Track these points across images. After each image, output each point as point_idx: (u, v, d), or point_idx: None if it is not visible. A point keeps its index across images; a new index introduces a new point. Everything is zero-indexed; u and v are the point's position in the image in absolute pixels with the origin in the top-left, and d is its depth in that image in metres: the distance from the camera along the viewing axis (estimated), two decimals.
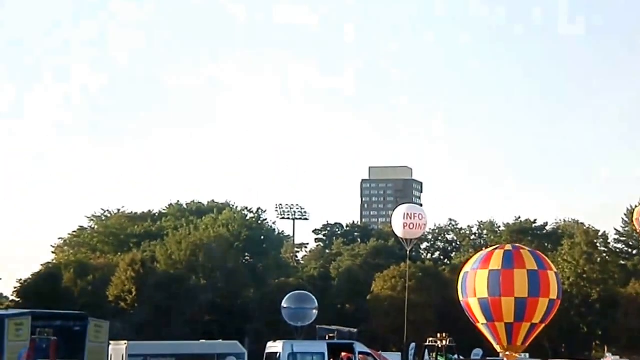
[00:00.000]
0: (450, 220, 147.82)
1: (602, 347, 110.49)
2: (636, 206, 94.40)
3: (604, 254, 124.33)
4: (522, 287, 57.61)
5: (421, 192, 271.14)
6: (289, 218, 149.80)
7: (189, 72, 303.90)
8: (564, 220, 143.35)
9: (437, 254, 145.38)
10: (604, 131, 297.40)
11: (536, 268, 58.15)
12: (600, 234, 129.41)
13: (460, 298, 60.58)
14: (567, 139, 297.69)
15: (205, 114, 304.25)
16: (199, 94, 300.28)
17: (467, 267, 61.34)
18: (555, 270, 59.42)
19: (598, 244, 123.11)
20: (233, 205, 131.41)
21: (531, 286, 57.49)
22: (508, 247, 65.12)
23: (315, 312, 69.23)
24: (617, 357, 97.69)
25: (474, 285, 59.06)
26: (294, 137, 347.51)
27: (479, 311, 58.69)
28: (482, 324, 58.91)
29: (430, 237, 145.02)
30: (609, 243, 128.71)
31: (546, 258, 62.87)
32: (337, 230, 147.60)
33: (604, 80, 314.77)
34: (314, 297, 71.69)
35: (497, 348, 58.42)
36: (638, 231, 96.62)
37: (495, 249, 64.84)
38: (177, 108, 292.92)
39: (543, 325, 59.02)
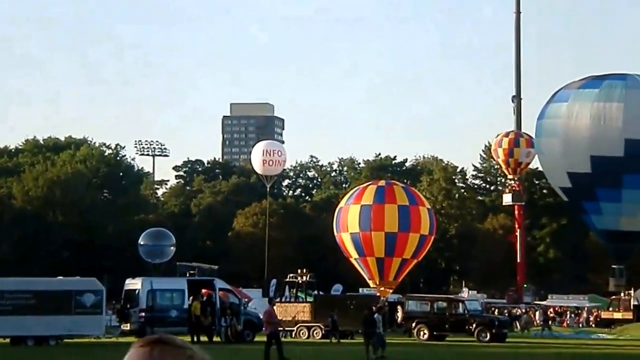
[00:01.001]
0: (312, 157, 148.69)
1: (459, 282, 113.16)
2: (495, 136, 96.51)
3: (462, 190, 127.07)
4: (392, 222, 58.19)
5: (283, 129, 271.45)
6: (148, 154, 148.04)
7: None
8: (423, 157, 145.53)
9: (298, 190, 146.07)
10: (451, 65, 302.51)
11: (407, 203, 58.78)
12: (458, 170, 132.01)
13: (335, 233, 60.99)
14: (422, 76, 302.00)
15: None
16: None
17: (342, 203, 61.77)
18: (429, 206, 60.20)
19: (456, 180, 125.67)
20: (91, 142, 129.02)
21: (401, 221, 58.10)
22: (381, 182, 65.81)
23: (172, 248, 68.74)
24: (474, 292, 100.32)
25: (347, 220, 59.50)
26: (154, 73, 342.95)
27: (351, 246, 59.18)
28: (355, 258, 59.49)
29: (291, 174, 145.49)
30: (467, 179, 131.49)
31: (419, 194, 63.79)
32: (197, 167, 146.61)
33: None
34: (171, 234, 71.14)
35: (370, 283, 59.12)
36: (496, 160, 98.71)
37: (370, 184, 65.43)
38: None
39: (415, 260, 59.77)
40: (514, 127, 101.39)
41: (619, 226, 47.06)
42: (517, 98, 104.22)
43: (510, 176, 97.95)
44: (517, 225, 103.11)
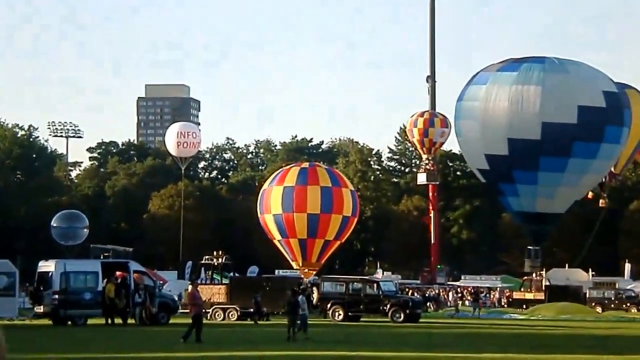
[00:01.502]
0: (228, 139, 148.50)
1: (374, 264, 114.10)
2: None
3: (378, 172, 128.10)
4: (315, 203, 58.39)
5: (199, 110, 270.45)
6: (62, 136, 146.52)
7: None
8: (339, 139, 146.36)
9: (214, 173, 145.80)
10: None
11: (330, 185, 59.01)
12: (374, 152, 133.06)
13: (258, 215, 60.94)
14: (337, 60, 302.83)
15: None
16: None
17: (266, 185, 61.81)
18: (352, 188, 60.49)
19: (372, 162, 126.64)
20: (4, 123, 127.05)
21: (324, 202, 58.29)
22: (305, 164, 66.00)
23: (85, 231, 68.20)
24: (389, 273, 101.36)
25: (270, 202, 59.51)
26: (69, 53, 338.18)
27: (274, 227, 59.21)
28: (278, 240, 59.54)
29: (207, 155, 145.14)
30: (383, 161, 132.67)
31: (342, 175, 64.04)
32: (112, 148, 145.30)
33: None
34: (84, 216, 70.55)
35: (293, 265, 59.22)
36: (411, 140, 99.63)
37: (293, 166, 65.50)
38: None
39: (338, 242, 59.96)
40: (429, 107, 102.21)
41: (535, 208, 47.79)
42: (431, 78, 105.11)
43: (425, 156, 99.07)
44: (431, 207, 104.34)
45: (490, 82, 47.28)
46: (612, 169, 70.41)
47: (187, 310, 52.68)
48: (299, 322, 33.98)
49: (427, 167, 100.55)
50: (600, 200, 75.03)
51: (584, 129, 45.79)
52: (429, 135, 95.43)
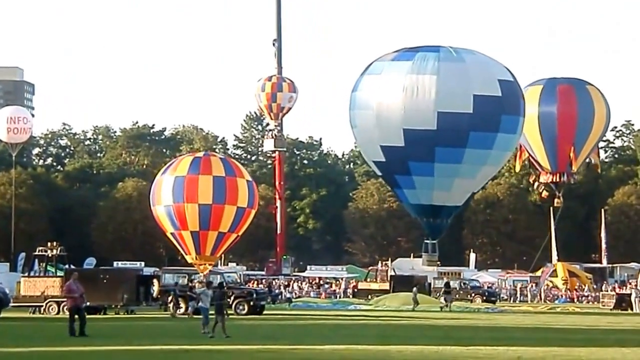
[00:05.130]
0: (64, 124, 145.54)
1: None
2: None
3: None
4: (207, 193, 57.19)
5: (33, 94, 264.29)
6: None
7: None
8: (184, 126, 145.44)
9: (49, 160, 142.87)
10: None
11: (224, 174, 57.95)
12: (219, 139, 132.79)
13: (151, 207, 59.71)
14: (183, 42, 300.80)
15: None
16: None
17: (158, 176, 60.54)
18: (249, 178, 59.56)
19: (217, 150, 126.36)
20: None
21: (216, 193, 57.20)
22: (200, 153, 64.92)
23: None
24: (234, 264, 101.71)
25: (160, 192, 58.31)
26: None
27: (165, 219, 57.93)
28: (170, 233, 58.38)
29: (42, 142, 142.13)
30: (228, 149, 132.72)
31: (240, 166, 63.07)
32: None
33: None
34: None
35: (187, 258, 58.04)
36: (259, 105, 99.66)
37: (186, 155, 64.31)
38: None
39: (235, 235, 59.04)
40: (276, 72, 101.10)
41: (431, 200, 47.80)
42: (278, 41, 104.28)
43: (272, 122, 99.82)
44: (277, 196, 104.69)
45: (385, 71, 47.04)
46: (572, 167, 71.69)
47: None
48: (220, 315, 33.21)
49: (275, 133, 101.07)
50: (555, 200, 75.39)
51: (479, 119, 45.95)
52: (277, 100, 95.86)
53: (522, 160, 73.93)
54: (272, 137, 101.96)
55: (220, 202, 57.05)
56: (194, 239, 57.48)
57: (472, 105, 45.92)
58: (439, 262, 61.09)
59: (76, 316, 32.92)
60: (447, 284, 70.50)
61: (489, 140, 46.61)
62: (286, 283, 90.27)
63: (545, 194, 75.10)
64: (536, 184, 75.55)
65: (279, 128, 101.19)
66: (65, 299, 34.65)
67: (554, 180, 72.31)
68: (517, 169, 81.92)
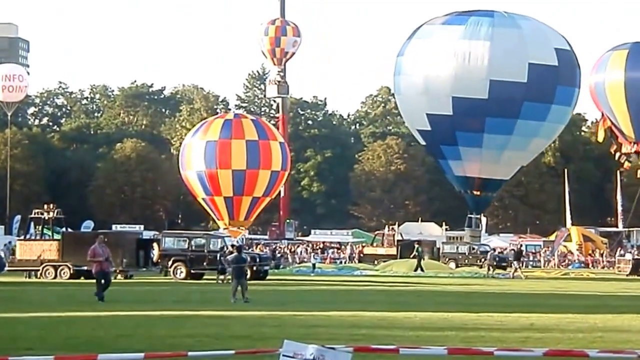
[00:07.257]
0: (60, 83, 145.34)
1: None
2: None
3: None
4: (240, 158, 56.76)
5: (28, 52, 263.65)
6: None
7: None
8: (184, 85, 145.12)
9: (45, 119, 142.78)
10: None
11: (257, 138, 57.54)
12: (220, 99, 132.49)
13: (180, 171, 59.42)
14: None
15: None
16: None
17: (187, 139, 60.19)
18: (282, 139, 59.16)
19: (219, 110, 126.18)
20: None
21: (250, 158, 56.76)
22: (230, 115, 64.30)
23: None
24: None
25: (191, 157, 57.97)
26: None
27: (197, 185, 57.67)
28: (202, 198, 58.16)
29: (38, 101, 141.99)
30: (230, 109, 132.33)
31: (271, 127, 62.56)
32: None
33: None
34: None
35: (220, 224, 57.91)
36: (262, 50, 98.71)
37: (217, 117, 63.66)
38: None
39: (268, 198, 58.71)
40: (279, 15, 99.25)
41: (478, 173, 47.07)
42: None
43: (275, 67, 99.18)
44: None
45: (434, 36, 46.02)
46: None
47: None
48: (240, 279, 33.19)
49: (278, 79, 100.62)
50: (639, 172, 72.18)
51: (534, 89, 45.06)
52: (280, 45, 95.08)
53: (605, 129, 69.86)
54: (276, 84, 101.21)
55: (254, 167, 56.69)
56: (227, 204, 57.17)
57: (526, 74, 44.87)
58: (479, 238, 60.12)
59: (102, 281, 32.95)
60: (519, 252, 67.06)
61: (543, 112, 45.50)
62: (292, 248, 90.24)
63: (627, 164, 71.81)
64: (617, 154, 71.58)
65: (282, 74, 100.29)
66: (91, 263, 34.39)
67: (639, 150, 68.79)
68: (600, 138, 76.03)
